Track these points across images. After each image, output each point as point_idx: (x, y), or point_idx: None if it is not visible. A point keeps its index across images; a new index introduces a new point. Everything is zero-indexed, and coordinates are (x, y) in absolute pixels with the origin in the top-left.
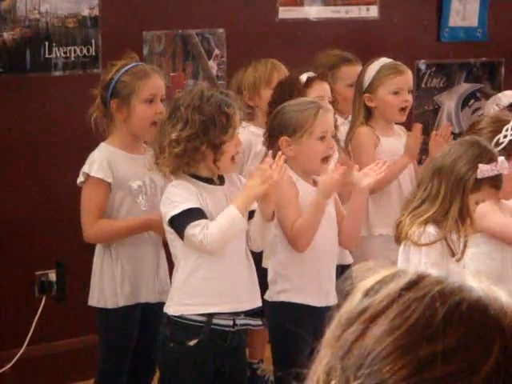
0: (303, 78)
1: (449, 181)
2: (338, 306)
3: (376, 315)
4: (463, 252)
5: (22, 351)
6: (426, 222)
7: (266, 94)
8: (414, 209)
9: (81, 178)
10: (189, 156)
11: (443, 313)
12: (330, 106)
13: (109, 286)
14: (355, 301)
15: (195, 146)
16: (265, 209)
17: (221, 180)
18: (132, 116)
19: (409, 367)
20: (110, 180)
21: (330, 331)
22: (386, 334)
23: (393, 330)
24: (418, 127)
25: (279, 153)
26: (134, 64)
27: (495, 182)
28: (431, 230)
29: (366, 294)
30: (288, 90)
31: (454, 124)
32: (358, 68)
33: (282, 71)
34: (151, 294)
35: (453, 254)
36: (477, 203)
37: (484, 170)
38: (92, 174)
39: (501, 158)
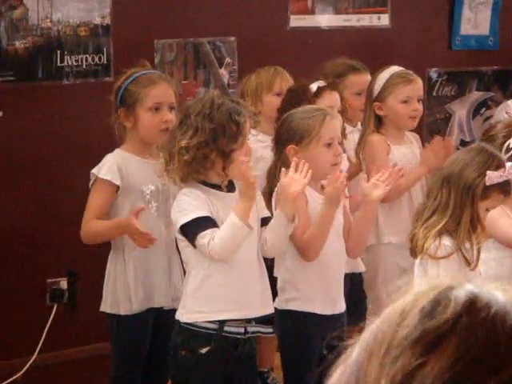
0: (313, 87)
1: (458, 189)
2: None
3: (437, 342)
4: (477, 260)
5: (33, 359)
6: (439, 234)
7: (268, 99)
8: (425, 220)
9: (91, 180)
10: (198, 164)
11: (505, 338)
12: (336, 114)
13: (121, 292)
14: (412, 320)
15: (205, 153)
16: (289, 209)
17: (232, 187)
18: (138, 124)
19: None
20: (117, 182)
21: (378, 340)
22: (449, 367)
23: (456, 361)
24: (438, 140)
25: (302, 160)
26: (142, 72)
27: (504, 188)
28: (446, 241)
29: (423, 314)
30: (297, 98)
31: (465, 132)
32: (365, 76)
33: (284, 77)
34: (164, 299)
35: (468, 263)
36: (487, 210)
37: (492, 176)
38: (100, 176)
39: (509, 164)
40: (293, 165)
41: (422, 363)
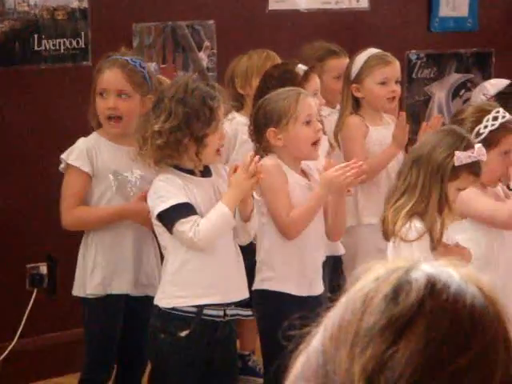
0: (300, 71)
1: (427, 170)
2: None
3: (405, 327)
4: (439, 241)
5: (13, 344)
6: (410, 216)
7: (257, 83)
8: (395, 201)
9: (61, 165)
10: (171, 148)
11: (467, 317)
12: (319, 99)
13: (81, 275)
14: (377, 307)
15: (177, 138)
16: (242, 209)
17: (207, 172)
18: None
19: (444, 381)
20: (86, 169)
21: (343, 329)
22: (420, 350)
23: (426, 344)
24: (402, 116)
25: (255, 158)
26: (107, 58)
27: (474, 168)
28: (417, 223)
29: (387, 300)
30: (285, 82)
31: (444, 114)
32: (344, 60)
33: (276, 62)
34: (125, 286)
35: (434, 247)
36: (459, 190)
37: (461, 156)
38: (69, 162)
39: (478, 145)
40: (249, 154)
41: (392, 350)
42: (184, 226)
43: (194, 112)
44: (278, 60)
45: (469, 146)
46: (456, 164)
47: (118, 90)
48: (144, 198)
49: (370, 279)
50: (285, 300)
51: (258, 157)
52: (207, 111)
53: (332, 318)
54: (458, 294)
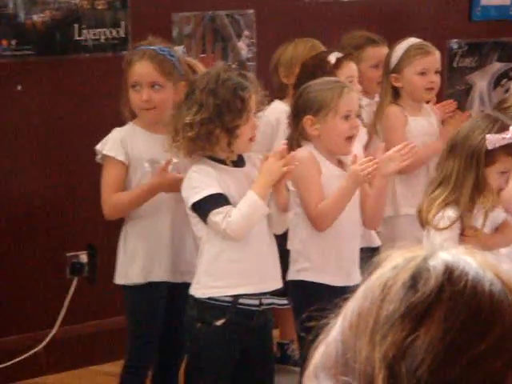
0: (332, 58)
1: (461, 157)
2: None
3: (425, 314)
4: (483, 225)
5: (54, 332)
6: (444, 205)
7: None
8: (431, 192)
9: (98, 156)
10: (202, 140)
11: (486, 303)
12: (355, 86)
13: (121, 264)
14: (396, 295)
15: (209, 129)
16: (277, 199)
17: (241, 162)
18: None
19: (463, 369)
20: (121, 158)
21: (363, 317)
22: (440, 337)
23: (446, 331)
24: (464, 116)
25: (285, 142)
26: (136, 49)
27: (511, 150)
28: (450, 212)
29: (407, 288)
30: (315, 70)
31: (485, 104)
32: (383, 49)
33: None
34: (165, 274)
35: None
36: (503, 173)
37: (493, 139)
38: (104, 152)
39: None
40: (282, 142)
41: (412, 337)
42: (217, 216)
43: (225, 103)
44: (323, 49)
45: (503, 128)
46: (489, 147)
47: (150, 82)
48: (163, 171)
49: (388, 267)
50: (321, 290)
51: (286, 142)
52: (238, 102)
53: (351, 307)
54: (476, 280)
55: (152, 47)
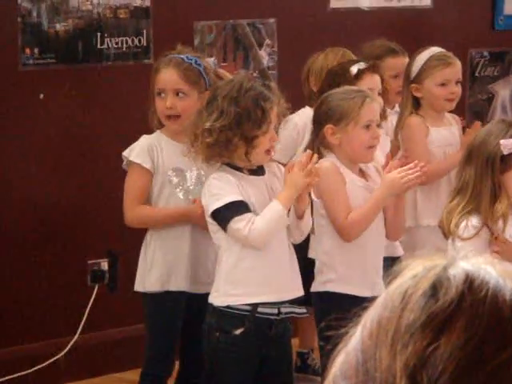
0: (354, 69)
1: (478, 163)
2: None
3: (446, 323)
4: (503, 231)
5: (74, 339)
6: (466, 213)
7: None
8: (449, 202)
9: (124, 162)
10: (220, 147)
11: (508, 312)
12: (376, 96)
13: (141, 271)
14: (416, 304)
15: (228, 137)
16: (298, 206)
17: (261, 170)
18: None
19: (484, 378)
20: (147, 166)
21: (383, 326)
22: (461, 346)
23: (467, 340)
24: (477, 126)
25: (310, 152)
26: (167, 56)
27: None
28: (474, 221)
29: (427, 297)
30: (337, 80)
31: (508, 113)
32: (403, 59)
33: None
34: (184, 284)
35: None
36: None
37: (507, 144)
38: (131, 159)
39: None
40: (307, 153)
41: (433, 346)
42: (239, 223)
43: (245, 112)
44: (353, 58)
45: None
46: (504, 153)
47: (174, 89)
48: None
49: (408, 276)
50: (347, 301)
51: (316, 156)
52: (259, 112)
53: (371, 316)
54: (497, 289)
55: (179, 56)
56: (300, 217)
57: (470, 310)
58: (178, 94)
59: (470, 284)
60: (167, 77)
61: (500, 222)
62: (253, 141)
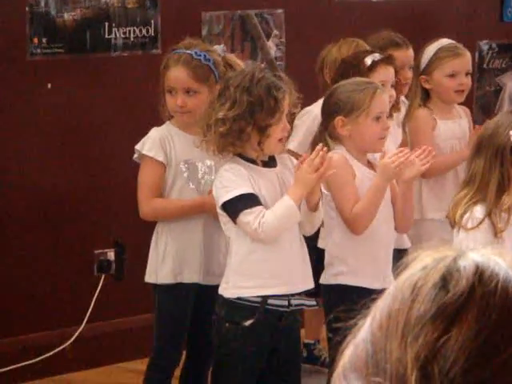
0: (368, 60)
1: (487, 155)
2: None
3: (457, 314)
4: (507, 223)
5: (81, 329)
6: (472, 204)
7: None
8: (457, 193)
9: (135, 154)
10: (233, 136)
11: None
12: (388, 88)
13: (153, 262)
14: (427, 296)
15: (241, 126)
16: (309, 199)
17: (273, 162)
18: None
19: (496, 370)
20: (160, 159)
21: (393, 318)
22: (472, 337)
23: (478, 331)
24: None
25: (319, 147)
26: (173, 52)
27: None
28: (477, 211)
29: (437, 288)
30: (351, 70)
31: None
32: (406, 51)
33: None
34: (196, 275)
35: (496, 231)
36: None
37: None
38: (144, 152)
39: None
40: (317, 148)
41: (444, 338)
42: (248, 216)
43: (258, 102)
44: (367, 49)
45: None
46: None
47: (184, 88)
48: None
49: (417, 268)
50: (358, 294)
51: (325, 149)
52: (272, 101)
53: (380, 307)
54: (507, 280)
55: (188, 51)
56: (313, 209)
57: (480, 301)
58: (188, 92)
59: (480, 275)
60: (177, 75)
61: (504, 215)
62: (266, 130)
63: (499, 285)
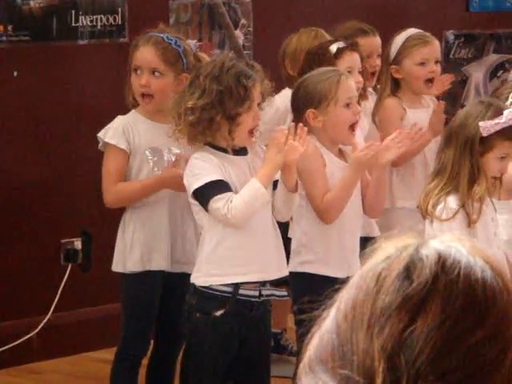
0: (333, 48)
1: (456, 145)
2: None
3: (421, 304)
4: (479, 214)
5: (47, 318)
6: (444, 194)
7: None
8: (428, 184)
9: (100, 143)
10: (203, 125)
11: (481, 291)
12: (355, 77)
13: (120, 251)
14: (391, 286)
15: (210, 115)
16: (287, 180)
17: (243, 150)
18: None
19: (461, 358)
20: (123, 147)
21: (358, 309)
22: (437, 326)
23: (443, 320)
24: (440, 105)
25: (300, 125)
26: (145, 34)
27: (508, 134)
28: (452, 202)
29: (401, 279)
30: (317, 60)
31: (481, 95)
32: (374, 39)
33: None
34: (164, 263)
35: (470, 221)
36: (503, 158)
37: (486, 126)
38: (106, 140)
39: (507, 110)
40: (278, 128)
41: (410, 328)
42: (218, 202)
43: (227, 90)
44: (327, 38)
45: (498, 113)
46: (484, 135)
47: (151, 67)
48: (175, 165)
49: (380, 258)
50: (323, 282)
51: (285, 129)
52: (241, 90)
53: (345, 298)
54: (469, 268)
55: (160, 34)
56: (292, 190)
57: (444, 290)
58: (153, 73)
59: (443, 264)
60: (145, 54)
61: (476, 205)
62: (236, 118)
63: (461, 272)
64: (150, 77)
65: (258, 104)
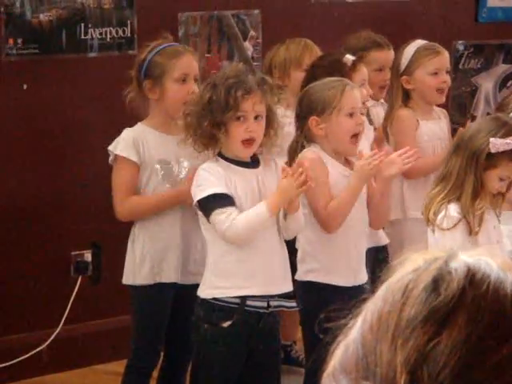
0: (347, 61)
1: (464, 156)
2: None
3: (447, 318)
4: (479, 227)
5: (57, 331)
6: (445, 203)
7: (296, 75)
8: (432, 189)
9: (110, 156)
10: (195, 132)
11: (509, 309)
12: (366, 90)
13: (131, 264)
14: (418, 299)
15: (199, 121)
16: (289, 210)
17: (255, 163)
18: (165, 96)
19: (485, 373)
20: (134, 159)
21: (383, 321)
22: (463, 341)
23: (468, 335)
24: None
25: (303, 162)
26: (166, 44)
27: None
28: (453, 210)
29: (428, 291)
30: (332, 72)
31: (491, 105)
32: (388, 53)
33: (314, 52)
34: (174, 275)
35: (470, 232)
36: (501, 180)
37: (497, 143)
38: (117, 153)
39: None
40: (299, 163)
41: (435, 341)
42: (219, 216)
43: (216, 98)
44: (316, 49)
45: (510, 133)
46: (492, 151)
47: (195, 74)
48: (190, 180)
49: (408, 270)
50: (329, 291)
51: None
52: (230, 99)
53: (371, 309)
54: (498, 283)
55: (175, 44)
56: (291, 212)
57: (471, 304)
58: (195, 81)
59: (472, 278)
60: (190, 62)
61: (478, 215)
62: (221, 127)
63: (490, 288)
64: (194, 84)
65: (257, 117)
